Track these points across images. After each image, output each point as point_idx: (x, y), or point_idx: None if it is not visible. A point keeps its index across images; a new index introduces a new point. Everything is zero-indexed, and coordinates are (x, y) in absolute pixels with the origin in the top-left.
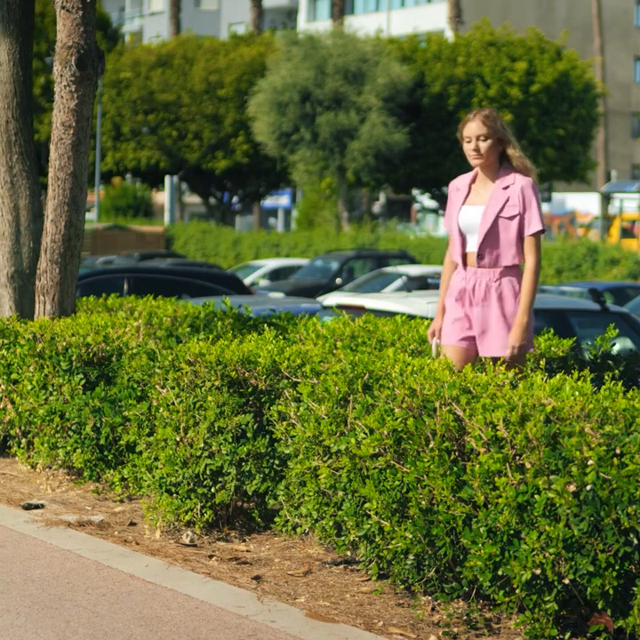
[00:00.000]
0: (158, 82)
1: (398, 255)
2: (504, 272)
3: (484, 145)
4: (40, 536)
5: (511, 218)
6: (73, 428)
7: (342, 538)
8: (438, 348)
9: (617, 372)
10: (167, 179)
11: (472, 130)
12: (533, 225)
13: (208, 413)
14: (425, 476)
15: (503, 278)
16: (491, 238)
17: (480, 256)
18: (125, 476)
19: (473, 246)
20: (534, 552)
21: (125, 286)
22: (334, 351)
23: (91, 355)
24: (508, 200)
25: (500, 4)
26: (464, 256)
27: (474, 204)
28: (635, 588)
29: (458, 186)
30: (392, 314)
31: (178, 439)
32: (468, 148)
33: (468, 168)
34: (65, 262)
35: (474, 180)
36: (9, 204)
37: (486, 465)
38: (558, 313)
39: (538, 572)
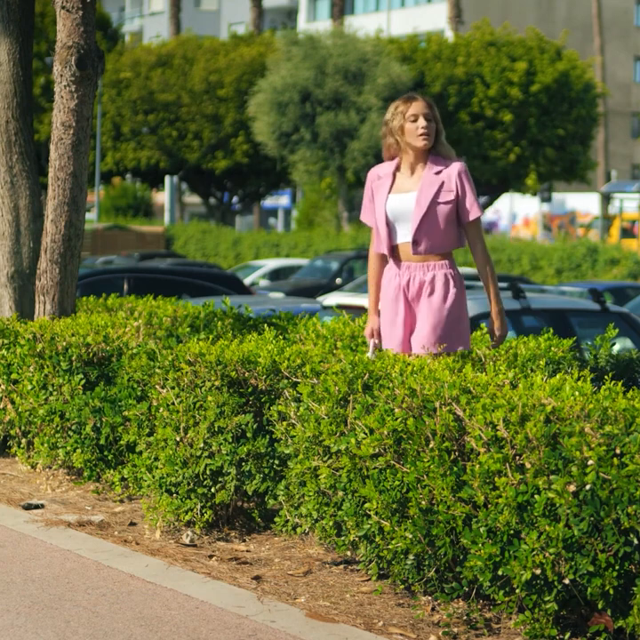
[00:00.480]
0: (158, 82)
1: None
2: (438, 265)
3: (432, 126)
4: (40, 536)
5: (447, 203)
6: (73, 427)
7: (342, 538)
8: (376, 349)
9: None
10: (167, 179)
11: (420, 107)
12: (474, 210)
13: (208, 413)
14: (425, 476)
15: (437, 272)
16: (426, 225)
17: (415, 243)
18: (125, 476)
19: (405, 236)
20: (534, 552)
21: (125, 286)
22: (334, 351)
23: (91, 355)
24: (442, 185)
25: (500, 3)
26: (393, 249)
27: (402, 192)
28: (635, 588)
29: (379, 174)
30: None
31: (178, 439)
32: (413, 128)
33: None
34: (65, 262)
35: (398, 169)
36: (9, 203)
37: (486, 465)
38: (558, 313)
39: (538, 571)
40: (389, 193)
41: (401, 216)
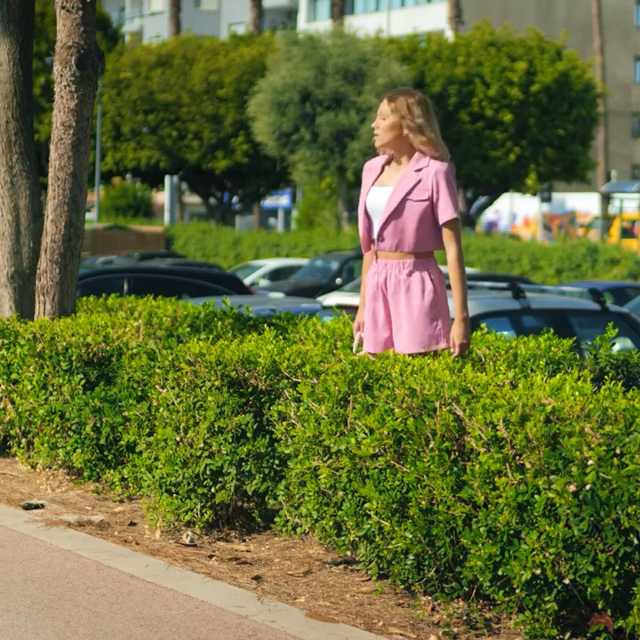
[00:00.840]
0: (158, 82)
1: None
2: (415, 264)
3: (383, 123)
4: (40, 536)
5: (420, 201)
6: (73, 428)
7: (342, 538)
8: (361, 342)
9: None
10: (167, 179)
11: (379, 108)
12: (447, 212)
13: (208, 413)
14: (425, 476)
15: (414, 272)
16: (394, 221)
17: (380, 238)
18: (125, 476)
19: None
20: (534, 552)
21: (125, 286)
22: (334, 351)
23: (91, 355)
24: (418, 182)
25: (500, 3)
26: (371, 242)
27: (383, 185)
28: (635, 588)
29: (371, 166)
30: None
31: (178, 439)
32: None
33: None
34: (65, 262)
35: (389, 162)
36: (9, 203)
37: (486, 465)
38: (558, 313)
39: (538, 571)
40: (373, 185)
41: (377, 210)
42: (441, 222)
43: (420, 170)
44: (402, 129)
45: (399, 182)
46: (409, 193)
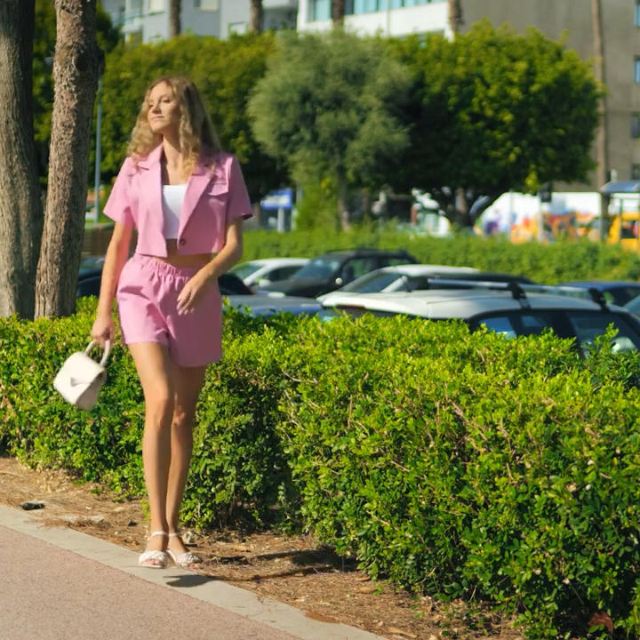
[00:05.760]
0: None
1: (398, 255)
2: (200, 267)
3: (166, 106)
4: (40, 536)
5: (219, 197)
6: (73, 428)
7: (342, 538)
8: (112, 352)
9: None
10: None
11: (155, 92)
12: (243, 206)
13: (208, 413)
14: (425, 476)
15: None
16: (196, 220)
17: (182, 241)
18: (125, 476)
19: (174, 233)
20: (534, 552)
21: None
22: (334, 351)
23: (91, 355)
24: (214, 178)
25: (500, 3)
26: (150, 247)
27: (175, 184)
28: (635, 588)
29: (140, 164)
30: (392, 314)
31: None
32: (149, 113)
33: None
34: (65, 262)
35: (163, 158)
36: (9, 204)
37: (486, 465)
38: (558, 313)
39: (538, 571)
40: (164, 183)
41: (175, 211)
42: (236, 215)
43: (209, 164)
44: (181, 115)
45: (194, 179)
46: (208, 189)
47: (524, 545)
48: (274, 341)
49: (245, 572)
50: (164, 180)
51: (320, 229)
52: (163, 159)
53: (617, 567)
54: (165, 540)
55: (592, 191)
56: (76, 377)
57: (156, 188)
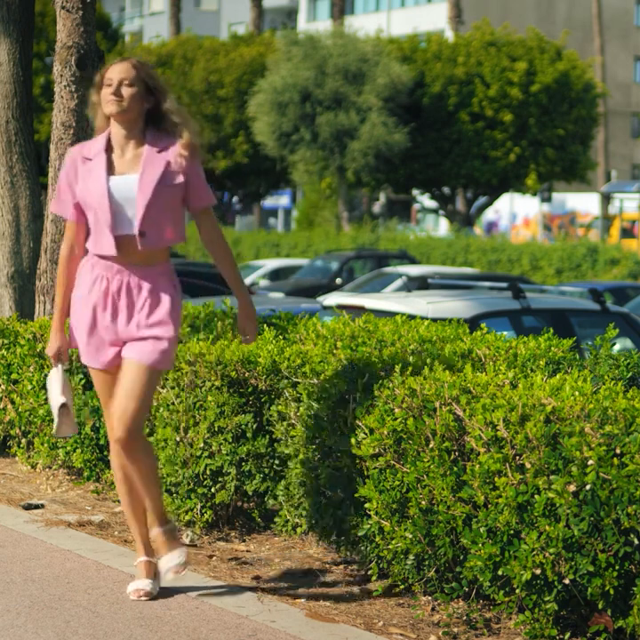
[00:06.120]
0: None
1: (398, 255)
2: (161, 266)
3: (128, 90)
4: (40, 536)
5: (175, 186)
6: None
7: (342, 538)
8: (66, 375)
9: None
10: None
11: (116, 72)
12: (207, 196)
13: (208, 413)
14: (425, 476)
15: (162, 274)
16: (153, 211)
17: (142, 234)
18: None
19: (127, 227)
20: (534, 552)
21: None
22: (334, 351)
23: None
24: (168, 165)
25: (500, 3)
26: (111, 243)
27: (124, 174)
28: (635, 588)
29: (84, 155)
30: (392, 314)
31: (178, 439)
32: (106, 93)
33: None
34: None
35: (109, 147)
36: (9, 204)
37: (486, 465)
38: (558, 313)
39: (538, 571)
40: (110, 174)
41: (125, 203)
42: (204, 206)
43: (163, 150)
44: (144, 101)
45: (147, 167)
46: (163, 177)
47: (523, 545)
48: (274, 341)
49: (245, 571)
50: (110, 170)
51: (320, 229)
52: (108, 148)
53: (617, 567)
54: (150, 564)
55: (592, 191)
56: (52, 403)
57: (100, 181)
